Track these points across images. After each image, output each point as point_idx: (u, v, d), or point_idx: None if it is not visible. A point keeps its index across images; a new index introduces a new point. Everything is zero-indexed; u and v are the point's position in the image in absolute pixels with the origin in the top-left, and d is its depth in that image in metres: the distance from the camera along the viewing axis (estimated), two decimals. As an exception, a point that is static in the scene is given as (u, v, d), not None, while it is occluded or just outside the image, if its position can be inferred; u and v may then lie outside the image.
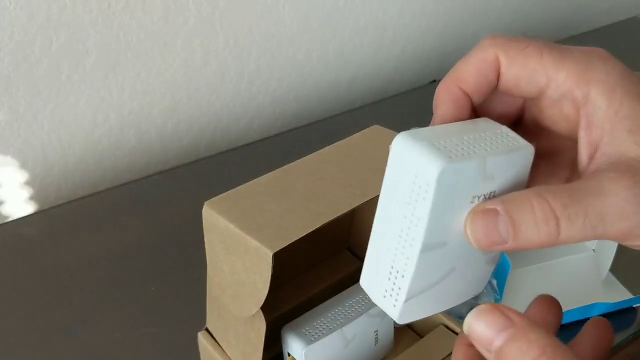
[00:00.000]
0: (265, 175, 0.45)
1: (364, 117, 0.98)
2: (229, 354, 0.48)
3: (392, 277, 0.27)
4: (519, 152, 0.27)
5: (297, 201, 0.42)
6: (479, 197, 0.26)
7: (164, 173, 0.85)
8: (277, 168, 0.46)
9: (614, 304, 0.61)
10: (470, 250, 0.27)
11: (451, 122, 0.28)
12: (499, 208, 0.24)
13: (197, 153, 0.94)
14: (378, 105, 1.03)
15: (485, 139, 0.27)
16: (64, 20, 0.74)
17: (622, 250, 0.63)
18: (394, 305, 0.28)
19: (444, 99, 0.29)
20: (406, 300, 0.27)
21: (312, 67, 1.00)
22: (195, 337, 0.52)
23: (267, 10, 0.90)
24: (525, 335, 0.24)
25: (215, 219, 0.42)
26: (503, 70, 0.27)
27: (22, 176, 0.80)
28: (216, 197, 0.43)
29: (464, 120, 0.29)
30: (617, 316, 0.62)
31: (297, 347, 0.45)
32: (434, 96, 0.29)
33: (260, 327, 0.43)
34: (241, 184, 0.44)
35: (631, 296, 0.63)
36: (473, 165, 0.25)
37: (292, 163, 0.46)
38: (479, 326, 0.25)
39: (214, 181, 0.82)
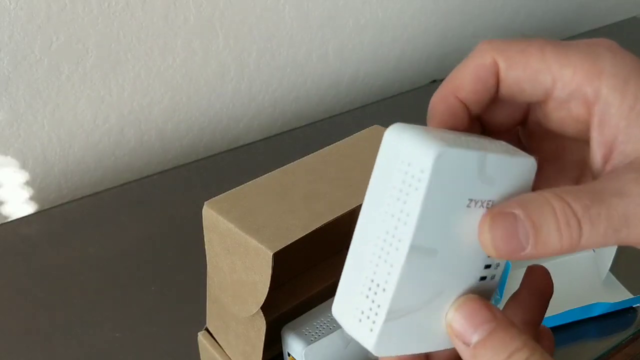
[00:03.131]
0: (265, 175, 0.45)
1: (364, 117, 0.98)
2: (229, 354, 0.48)
3: (372, 292, 0.24)
4: (521, 160, 0.25)
5: (297, 201, 0.42)
6: (475, 203, 0.24)
7: (164, 173, 0.85)
8: (277, 168, 0.46)
9: (614, 304, 0.61)
10: (464, 268, 0.25)
11: None
12: (517, 211, 0.22)
13: (197, 153, 0.94)
14: (378, 105, 1.03)
15: (485, 143, 0.25)
16: (64, 20, 0.74)
17: (622, 250, 0.63)
18: (371, 329, 0.24)
19: (439, 109, 0.26)
20: (386, 320, 0.23)
21: (312, 67, 1.00)
22: (195, 337, 0.52)
23: (267, 10, 0.90)
24: (506, 329, 0.24)
25: (215, 219, 0.42)
26: (503, 74, 0.25)
27: (22, 176, 0.80)
28: (216, 197, 0.43)
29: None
30: (617, 316, 0.62)
31: (297, 347, 0.45)
32: (429, 107, 0.27)
33: (260, 327, 0.43)
34: (241, 184, 0.44)
35: (631, 296, 0.63)
36: (473, 156, 0.23)
37: (292, 163, 0.46)
38: (461, 317, 0.24)
39: (214, 181, 0.83)
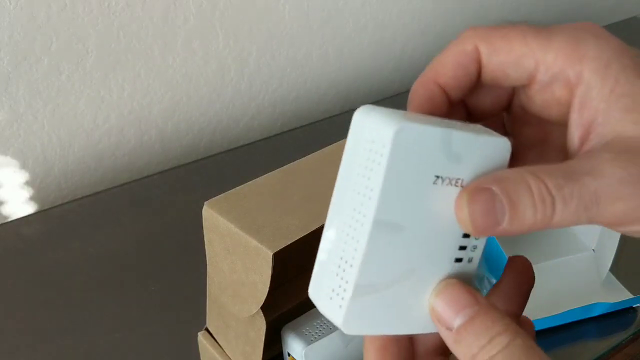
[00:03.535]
0: (265, 175, 0.45)
1: (364, 117, 0.98)
2: (229, 354, 0.49)
3: (341, 270, 0.24)
4: (492, 139, 0.25)
5: (297, 201, 0.42)
6: (443, 180, 0.24)
7: (164, 173, 0.85)
8: (277, 168, 0.46)
9: (614, 304, 0.61)
10: (436, 247, 0.25)
11: None
12: (494, 187, 0.23)
13: (197, 153, 0.94)
14: (378, 105, 1.03)
15: (455, 124, 0.25)
16: (64, 20, 0.74)
17: (622, 250, 0.63)
18: (340, 306, 0.24)
19: (418, 94, 0.26)
20: (354, 296, 0.23)
21: (312, 67, 1.00)
22: (195, 337, 0.52)
23: (267, 10, 0.90)
24: (488, 312, 0.24)
25: (215, 219, 0.42)
26: (485, 60, 0.25)
27: (22, 176, 0.80)
28: (216, 197, 0.43)
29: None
30: (617, 316, 0.62)
31: (297, 347, 0.45)
32: (409, 93, 0.27)
33: (260, 327, 0.43)
34: (241, 184, 0.44)
35: (631, 296, 0.63)
36: (436, 132, 0.23)
37: (292, 163, 0.46)
38: (442, 302, 0.24)
39: (214, 181, 0.82)
